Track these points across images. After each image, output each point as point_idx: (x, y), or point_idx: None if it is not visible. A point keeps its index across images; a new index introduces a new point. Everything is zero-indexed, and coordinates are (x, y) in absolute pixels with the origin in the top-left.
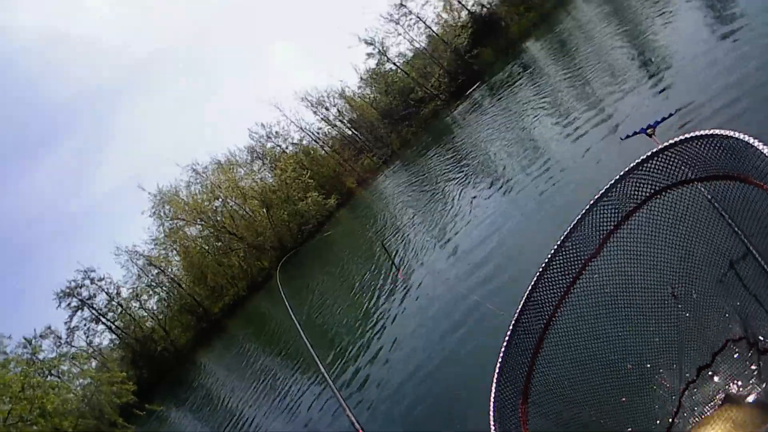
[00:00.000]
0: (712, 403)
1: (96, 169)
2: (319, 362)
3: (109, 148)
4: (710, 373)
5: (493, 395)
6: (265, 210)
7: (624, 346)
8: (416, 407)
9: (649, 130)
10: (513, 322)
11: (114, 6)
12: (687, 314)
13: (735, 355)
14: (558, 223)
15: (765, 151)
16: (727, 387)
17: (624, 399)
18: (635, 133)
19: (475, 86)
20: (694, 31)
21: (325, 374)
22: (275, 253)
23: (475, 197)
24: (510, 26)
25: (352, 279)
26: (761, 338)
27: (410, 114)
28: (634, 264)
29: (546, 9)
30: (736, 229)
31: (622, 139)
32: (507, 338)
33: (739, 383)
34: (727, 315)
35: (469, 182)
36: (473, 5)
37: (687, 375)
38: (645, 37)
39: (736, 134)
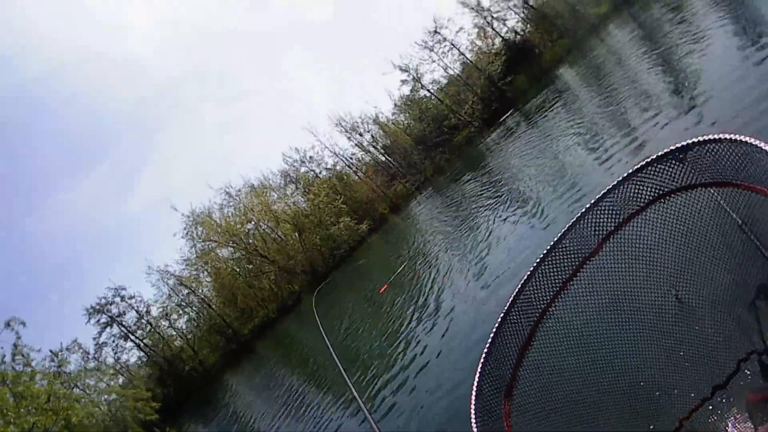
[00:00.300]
0: (720, 419)
1: (131, 189)
2: (349, 383)
3: (145, 168)
4: (720, 391)
5: (475, 388)
6: (297, 234)
7: (621, 351)
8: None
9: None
10: (502, 314)
11: (150, 24)
12: (692, 321)
13: (748, 373)
14: None
15: None
16: (737, 409)
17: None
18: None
19: (508, 113)
20: (727, 56)
21: (356, 395)
22: (306, 276)
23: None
24: (543, 53)
25: (384, 305)
26: None
27: (444, 141)
28: (635, 265)
29: (578, 35)
30: (750, 235)
31: None
32: (494, 330)
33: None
34: (738, 326)
35: (501, 212)
36: (507, 33)
37: (692, 395)
38: (678, 62)
39: (748, 138)
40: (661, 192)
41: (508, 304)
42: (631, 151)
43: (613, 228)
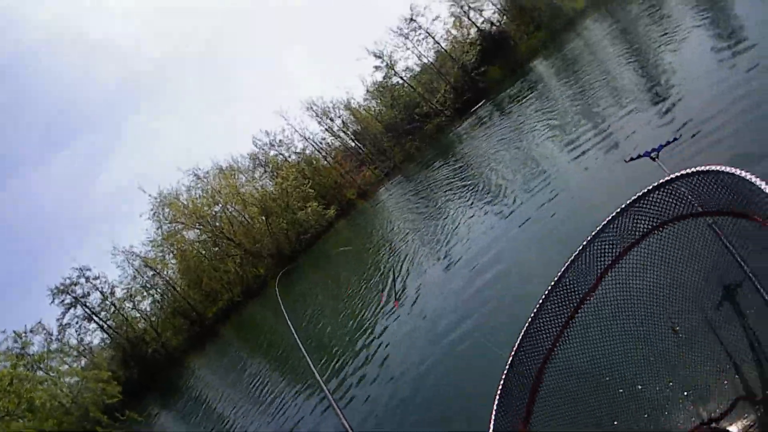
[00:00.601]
0: None
1: (104, 171)
2: (313, 368)
3: (118, 150)
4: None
5: (493, 421)
6: (264, 217)
7: (625, 382)
8: (407, 417)
9: (653, 154)
10: (512, 353)
11: (129, 7)
12: (690, 351)
13: (745, 417)
14: (559, 249)
15: (764, 188)
16: None
17: None
18: (640, 156)
19: (480, 104)
20: (700, 54)
21: (318, 378)
22: (272, 260)
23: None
24: (518, 45)
25: (349, 292)
26: None
27: (414, 128)
28: (634, 298)
29: (555, 28)
30: (740, 262)
31: (626, 161)
32: (507, 367)
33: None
34: (734, 354)
35: (470, 200)
36: (483, 23)
37: (692, 420)
38: (653, 59)
39: (735, 170)
40: (655, 223)
41: (515, 346)
42: (602, 146)
43: (611, 261)
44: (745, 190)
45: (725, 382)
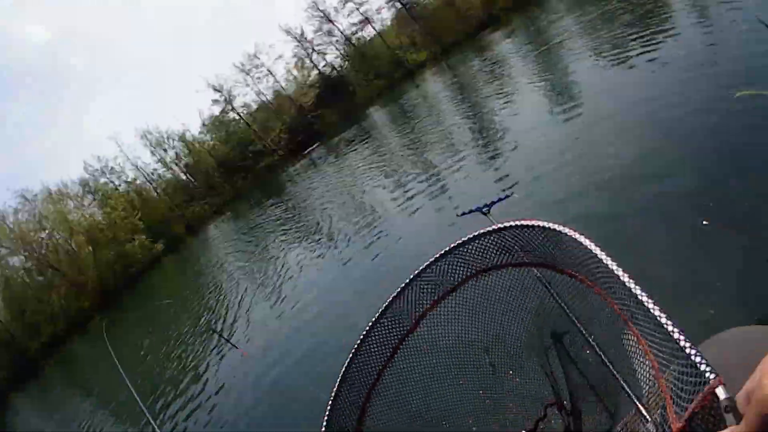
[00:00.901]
0: None
1: None
2: (143, 408)
3: None
4: None
5: None
6: (90, 248)
7: (450, 415)
8: None
9: (485, 209)
10: (330, 403)
11: None
12: (509, 385)
13: (554, 421)
14: (382, 291)
15: (584, 242)
16: None
17: None
18: (471, 211)
19: (314, 146)
20: (535, 111)
21: (150, 419)
22: (97, 294)
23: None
24: (357, 91)
25: (175, 331)
26: (580, 404)
27: (247, 166)
28: (453, 338)
29: (394, 79)
30: (561, 304)
31: (458, 215)
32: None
33: None
34: (548, 384)
35: (296, 242)
36: (324, 66)
37: None
38: (488, 114)
39: (551, 225)
40: (473, 271)
41: (332, 395)
42: (434, 196)
43: (431, 303)
44: (561, 244)
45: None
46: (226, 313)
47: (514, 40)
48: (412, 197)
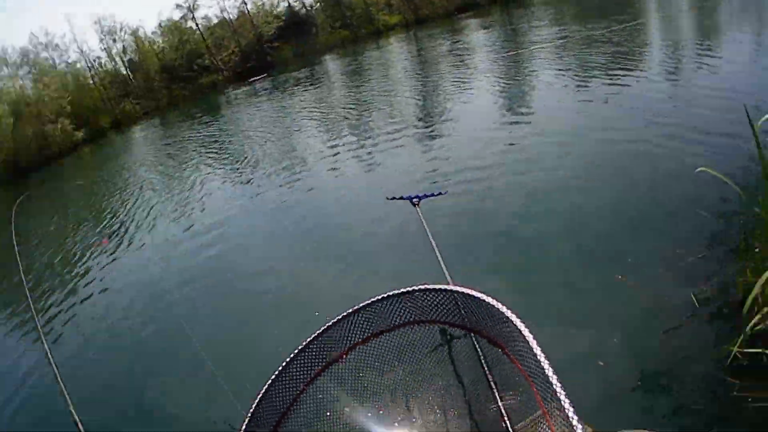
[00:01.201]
0: None
1: None
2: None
3: None
4: None
5: None
6: (12, 119)
7: None
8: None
9: (415, 200)
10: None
11: None
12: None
13: None
14: (289, 242)
15: (503, 311)
16: None
17: None
18: (402, 198)
19: (262, 76)
20: (485, 110)
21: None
22: (7, 168)
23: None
24: (319, 35)
25: (85, 221)
26: None
27: (189, 77)
28: (376, 376)
29: (360, 34)
30: (486, 370)
31: (388, 198)
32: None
33: None
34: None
35: (218, 166)
36: (295, 0)
37: None
38: (442, 95)
39: (470, 291)
40: (388, 326)
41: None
42: (359, 160)
43: (361, 340)
44: (493, 316)
45: None
46: (125, 214)
47: (489, 33)
48: (340, 158)
